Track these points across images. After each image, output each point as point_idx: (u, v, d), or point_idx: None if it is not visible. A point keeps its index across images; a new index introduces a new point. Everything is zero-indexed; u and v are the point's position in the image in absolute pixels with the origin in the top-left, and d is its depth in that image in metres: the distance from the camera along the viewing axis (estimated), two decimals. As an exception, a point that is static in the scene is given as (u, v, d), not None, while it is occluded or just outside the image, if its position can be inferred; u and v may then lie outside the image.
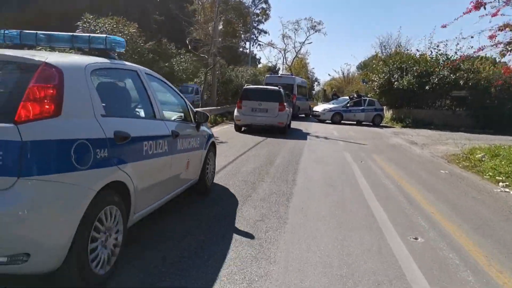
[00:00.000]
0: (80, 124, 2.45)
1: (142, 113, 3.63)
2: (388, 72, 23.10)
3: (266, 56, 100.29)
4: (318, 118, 22.11)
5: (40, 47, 5.26)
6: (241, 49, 55.06)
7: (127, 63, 3.63)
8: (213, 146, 5.42)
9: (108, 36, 3.28)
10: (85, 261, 2.41)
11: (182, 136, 4.03)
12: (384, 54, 33.82)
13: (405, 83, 21.38)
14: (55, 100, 2.28)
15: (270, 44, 61.88)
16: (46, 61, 2.36)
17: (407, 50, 24.12)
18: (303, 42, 63.09)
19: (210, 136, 5.27)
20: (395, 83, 22.11)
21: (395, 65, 23.23)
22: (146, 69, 3.87)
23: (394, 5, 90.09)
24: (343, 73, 64.35)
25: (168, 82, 4.42)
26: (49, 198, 2.17)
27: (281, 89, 14.24)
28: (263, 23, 54.24)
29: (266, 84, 22.46)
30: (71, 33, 3.35)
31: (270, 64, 61.43)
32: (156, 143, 3.37)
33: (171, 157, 3.74)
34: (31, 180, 2.08)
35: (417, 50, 22.99)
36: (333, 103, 22.73)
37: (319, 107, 22.41)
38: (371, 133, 16.92)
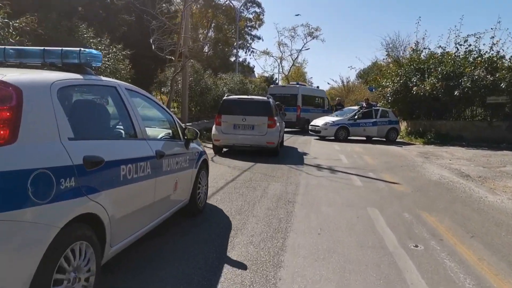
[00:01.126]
0: (41, 150, 2.14)
1: (121, 133, 3.34)
2: (404, 75, 18.54)
3: (261, 66, 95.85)
4: (318, 135, 17.58)
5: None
6: (233, 58, 50.94)
7: (104, 78, 3.31)
8: (205, 164, 5.13)
9: (82, 50, 2.90)
10: None
11: (168, 156, 3.73)
12: (392, 56, 29.31)
13: (428, 88, 16.79)
14: (10, 124, 1.99)
15: (265, 52, 57.89)
16: (3, 79, 2.10)
17: (425, 48, 19.46)
18: (300, 49, 59.08)
19: (202, 153, 4.97)
20: (414, 88, 17.53)
21: (412, 66, 18.70)
22: (127, 84, 3.56)
23: (398, 4, 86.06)
24: (342, 82, 60.05)
25: (153, 97, 4.21)
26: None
27: (271, 100, 11.18)
28: (257, 28, 49.97)
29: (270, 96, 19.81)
30: (43, 48, 2.96)
31: (266, 74, 57.35)
32: (137, 166, 3.05)
33: (156, 180, 3.41)
34: None
35: (440, 47, 18.41)
36: (336, 115, 18.13)
37: (319, 120, 17.84)
38: (392, 156, 12.27)
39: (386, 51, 31.87)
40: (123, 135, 3.33)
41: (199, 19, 44.91)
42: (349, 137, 17.05)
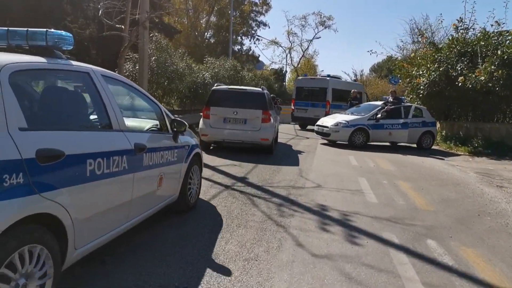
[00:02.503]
0: None
1: (92, 124, 3.02)
2: (445, 61, 13.70)
3: (268, 58, 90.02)
4: (326, 138, 13.01)
5: None
6: (238, 47, 46.27)
7: (76, 63, 2.88)
8: (197, 157, 4.76)
9: (49, 30, 2.64)
10: None
11: (151, 149, 3.42)
12: (426, 37, 24.24)
13: (483, 77, 11.94)
14: None
15: (274, 42, 53.07)
16: None
17: (471, 27, 14.49)
18: (312, 39, 54.06)
19: (193, 146, 4.59)
20: (459, 78, 12.72)
21: (455, 50, 13.84)
22: (104, 70, 3.18)
23: None
24: (355, 75, 54.99)
25: (137, 86, 3.77)
26: None
27: (266, 91, 9.98)
28: (264, 14, 45.24)
29: (297, 89, 18.52)
30: (6, 28, 2.70)
31: (276, 66, 52.53)
32: (109, 160, 2.74)
33: (134, 175, 3.11)
34: None
35: (496, 22, 13.43)
36: (351, 112, 13.46)
37: (329, 119, 13.17)
38: (444, 182, 7.52)
39: (410, 37, 26.68)
40: (95, 126, 3.00)
41: (199, 2, 40.52)
42: (368, 143, 12.45)
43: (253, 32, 43.90)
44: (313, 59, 59.56)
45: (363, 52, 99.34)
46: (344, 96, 17.47)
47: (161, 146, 3.70)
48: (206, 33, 43.21)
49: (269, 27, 52.11)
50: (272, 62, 60.44)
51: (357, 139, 12.34)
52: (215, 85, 10.42)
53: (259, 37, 44.24)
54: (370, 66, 72.19)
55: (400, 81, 21.67)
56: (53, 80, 2.91)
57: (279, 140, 12.30)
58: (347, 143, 12.34)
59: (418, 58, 15.21)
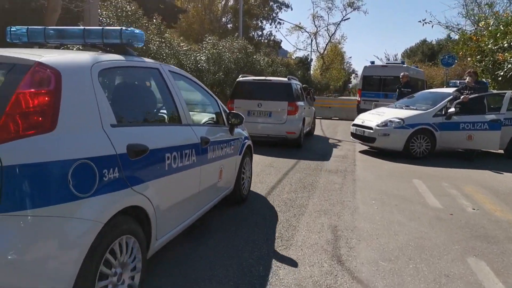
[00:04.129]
0: (82, 139, 1.91)
1: (165, 119, 3.08)
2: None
3: (293, 44, 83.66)
4: (369, 144, 8.68)
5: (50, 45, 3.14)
6: (259, 32, 41.92)
7: (147, 59, 3.01)
8: (249, 150, 4.75)
9: (124, 28, 2.66)
10: None
11: (213, 143, 3.45)
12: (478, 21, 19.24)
13: None
14: (49, 110, 1.76)
15: (298, 27, 48.36)
16: (41, 60, 1.85)
17: None
18: (339, 22, 49.02)
19: (246, 138, 4.60)
20: None
21: None
22: (171, 66, 3.28)
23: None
24: (388, 60, 49.51)
25: (196, 80, 3.74)
26: (39, 238, 1.63)
27: (293, 82, 9.08)
28: (286, -5, 40.58)
29: (364, 78, 16.50)
30: (83, 27, 2.76)
31: (300, 54, 47.96)
32: (182, 154, 2.79)
33: (201, 168, 3.15)
34: (15, 216, 1.57)
35: None
36: (405, 105, 9.08)
37: (371, 116, 8.86)
38: None
39: (466, 9, 21.49)
40: (167, 121, 3.04)
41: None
42: (433, 149, 8.14)
43: (274, 15, 39.32)
44: (341, 45, 54.53)
45: (395, 35, 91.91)
46: (415, 86, 12.89)
47: (220, 139, 3.69)
48: (223, 18, 39.10)
49: (291, 9, 47.48)
50: (296, 49, 55.74)
51: (418, 146, 8.04)
52: (240, 76, 9.38)
53: (280, 21, 39.66)
54: (402, 52, 65.94)
55: (456, 61, 16.98)
56: (131, 76, 2.89)
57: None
58: (401, 150, 8.08)
59: (501, 25, 10.52)
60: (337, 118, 18.77)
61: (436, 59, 46.97)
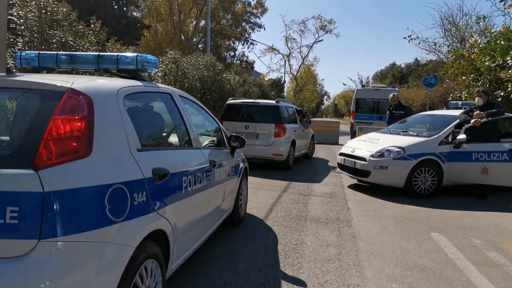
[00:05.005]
0: (114, 163, 1.91)
1: (179, 142, 2.98)
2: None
3: (267, 65, 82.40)
4: (362, 178, 6.96)
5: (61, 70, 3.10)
6: (231, 53, 40.57)
7: (160, 85, 3.03)
8: (245, 172, 4.77)
9: (139, 55, 2.71)
10: None
11: (219, 165, 3.46)
12: (452, 35, 18.46)
13: None
14: (84, 135, 1.77)
15: (271, 48, 47.47)
16: (72, 86, 1.85)
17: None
18: (312, 43, 48.56)
19: (243, 161, 4.69)
20: None
21: None
22: (179, 90, 3.31)
23: None
24: (361, 82, 49.26)
25: (199, 103, 3.79)
26: (78, 264, 1.61)
27: (281, 104, 8.89)
28: (259, 17, 39.73)
29: (357, 100, 16.28)
30: (97, 53, 2.75)
31: (273, 75, 46.95)
32: (195, 177, 2.82)
33: (209, 190, 3.16)
34: (56, 242, 1.53)
35: None
36: (401, 131, 7.52)
37: (362, 144, 7.21)
38: None
39: (441, 29, 20.80)
40: (181, 145, 2.99)
41: (186, 3, 34.93)
42: (438, 186, 6.56)
43: (246, 35, 38.22)
44: (314, 67, 54.08)
45: (366, 58, 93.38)
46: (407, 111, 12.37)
47: (224, 161, 3.68)
48: (194, 38, 37.61)
49: (264, 29, 46.35)
50: (270, 70, 54.94)
51: (422, 181, 6.43)
52: (229, 99, 9.61)
53: (253, 41, 38.58)
54: (373, 74, 66.50)
55: (437, 83, 15.96)
56: (149, 101, 2.86)
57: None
58: (402, 187, 6.44)
59: (497, 40, 9.27)
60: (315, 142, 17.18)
61: (407, 81, 47.23)
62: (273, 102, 8.92)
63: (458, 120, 6.79)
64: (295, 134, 9.03)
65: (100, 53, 2.74)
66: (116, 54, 2.71)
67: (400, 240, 4.27)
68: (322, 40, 47.77)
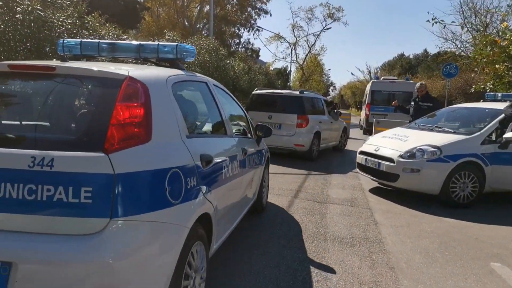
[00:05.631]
0: (171, 149, 2.02)
1: (216, 130, 3.09)
2: None
3: (271, 54, 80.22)
4: (387, 183, 5.78)
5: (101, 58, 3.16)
6: (236, 40, 39.24)
7: (197, 74, 3.14)
8: (267, 161, 4.77)
9: (179, 44, 2.73)
10: None
11: (249, 154, 3.56)
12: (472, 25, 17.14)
13: None
14: (144, 122, 1.84)
15: (277, 36, 45.92)
16: (129, 74, 1.91)
17: None
18: (319, 33, 46.95)
19: (266, 150, 4.69)
20: None
21: None
22: (213, 80, 3.35)
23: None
24: (370, 72, 47.90)
25: (229, 92, 3.85)
26: (144, 242, 1.70)
27: (305, 95, 8.85)
28: (265, 3, 38.22)
29: (372, 92, 15.88)
30: (138, 42, 2.80)
31: (279, 65, 45.54)
32: (232, 164, 2.94)
33: (242, 177, 3.28)
34: (125, 221, 1.63)
35: None
36: (430, 126, 6.43)
37: (387, 142, 6.09)
38: None
39: (461, 17, 19.40)
40: (217, 133, 3.10)
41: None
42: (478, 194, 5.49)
43: (252, 21, 36.83)
44: (320, 56, 52.46)
45: (375, 48, 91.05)
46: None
47: (252, 150, 3.75)
48: (198, 24, 36.29)
49: (270, 15, 44.81)
50: (276, 58, 53.46)
51: (461, 188, 5.36)
52: (256, 89, 9.69)
53: (259, 28, 37.20)
54: (381, 65, 64.69)
55: (457, 73, 14.74)
56: (190, 89, 2.92)
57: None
58: (437, 194, 5.38)
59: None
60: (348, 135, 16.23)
61: (416, 72, 45.34)
62: (297, 93, 8.88)
63: (503, 115, 5.68)
64: (320, 125, 8.96)
65: (141, 42, 2.77)
66: (157, 43, 2.73)
67: (453, 274, 3.23)
68: (330, 28, 46.07)
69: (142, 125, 1.80)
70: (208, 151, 2.39)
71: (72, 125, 1.94)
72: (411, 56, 61.65)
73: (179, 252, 1.86)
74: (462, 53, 19.28)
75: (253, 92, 9.29)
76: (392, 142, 5.99)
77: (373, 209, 5.11)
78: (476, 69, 11.62)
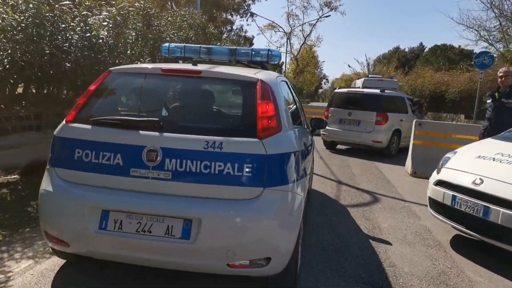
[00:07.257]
0: (292, 136, 2.49)
1: (297, 122, 3.38)
2: None
3: (268, 40, 76.23)
4: (493, 242, 3.11)
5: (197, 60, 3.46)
6: (228, 27, 36.25)
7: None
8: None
9: (270, 49, 3.28)
10: (297, 264, 2.60)
11: (309, 145, 3.87)
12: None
13: None
14: (276, 115, 2.33)
15: (271, 25, 42.99)
16: (259, 77, 2.43)
17: None
18: (315, 21, 44.22)
19: (313, 140, 4.90)
20: None
21: None
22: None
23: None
24: (368, 65, 45.43)
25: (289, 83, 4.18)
26: (287, 208, 2.24)
27: (387, 93, 9.23)
28: (259, -12, 35.27)
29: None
30: (233, 47, 3.33)
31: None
32: (309, 152, 3.59)
33: (310, 163, 4.04)
34: (274, 190, 2.17)
35: None
36: None
37: (498, 169, 3.43)
38: None
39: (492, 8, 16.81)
40: (299, 124, 3.41)
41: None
42: None
43: (246, 7, 33.87)
44: (316, 47, 49.68)
45: (371, 40, 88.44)
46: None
47: (309, 141, 3.92)
48: (186, 7, 33.21)
49: (266, 0, 41.88)
50: (269, 48, 50.42)
51: None
52: (337, 88, 10.80)
53: (253, 14, 34.30)
54: (375, 58, 61.90)
55: (492, 63, 12.24)
56: (283, 87, 3.07)
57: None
58: None
59: None
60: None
61: (413, 66, 42.47)
62: (378, 91, 9.11)
63: None
64: (401, 123, 9.10)
65: (237, 47, 3.30)
66: (250, 48, 3.32)
67: None
68: (329, 15, 43.15)
69: (275, 117, 2.29)
70: (303, 139, 3.02)
71: (229, 117, 2.70)
72: (406, 50, 59.34)
73: (302, 217, 2.43)
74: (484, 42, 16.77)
75: (334, 91, 9.93)
76: (506, 168, 3.37)
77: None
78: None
